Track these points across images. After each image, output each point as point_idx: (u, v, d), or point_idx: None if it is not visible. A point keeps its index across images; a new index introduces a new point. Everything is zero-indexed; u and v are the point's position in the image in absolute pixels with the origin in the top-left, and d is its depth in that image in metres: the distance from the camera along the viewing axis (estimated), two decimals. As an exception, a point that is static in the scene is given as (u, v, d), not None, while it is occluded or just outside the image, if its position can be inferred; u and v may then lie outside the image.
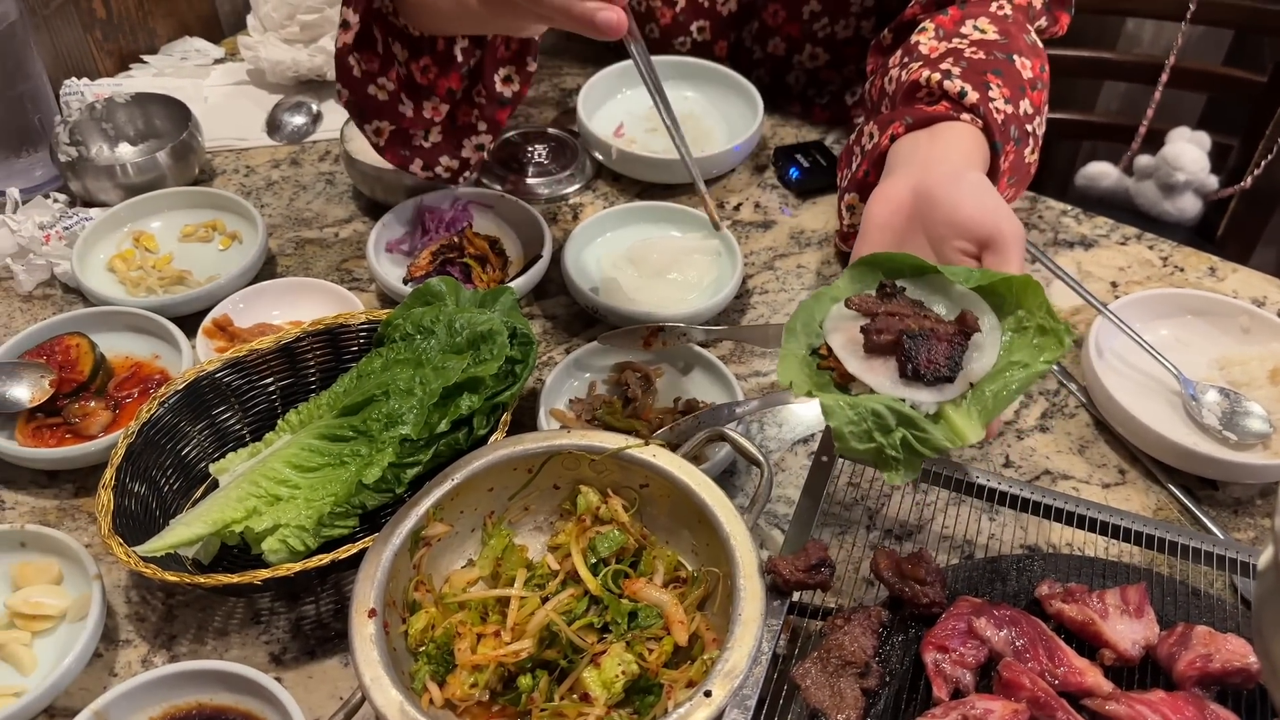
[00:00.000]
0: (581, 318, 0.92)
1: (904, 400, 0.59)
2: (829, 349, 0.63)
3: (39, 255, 0.94)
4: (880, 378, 0.60)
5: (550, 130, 1.10)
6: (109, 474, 0.69)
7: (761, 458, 0.69)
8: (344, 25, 0.82)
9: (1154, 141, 1.52)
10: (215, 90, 1.20)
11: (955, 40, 0.87)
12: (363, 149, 0.99)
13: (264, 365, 0.80)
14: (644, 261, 0.91)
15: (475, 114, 0.89)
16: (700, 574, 0.67)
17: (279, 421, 0.77)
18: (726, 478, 0.78)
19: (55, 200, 1.00)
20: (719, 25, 1.14)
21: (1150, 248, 1.00)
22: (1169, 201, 1.51)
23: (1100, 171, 1.59)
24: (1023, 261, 0.66)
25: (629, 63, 1.12)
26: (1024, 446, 0.81)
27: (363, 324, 0.82)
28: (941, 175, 0.71)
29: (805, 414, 0.78)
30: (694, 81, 1.13)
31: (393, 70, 0.84)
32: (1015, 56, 0.85)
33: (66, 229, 0.96)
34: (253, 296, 0.90)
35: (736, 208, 1.03)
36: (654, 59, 1.01)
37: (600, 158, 1.05)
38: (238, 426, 0.79)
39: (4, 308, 0.93)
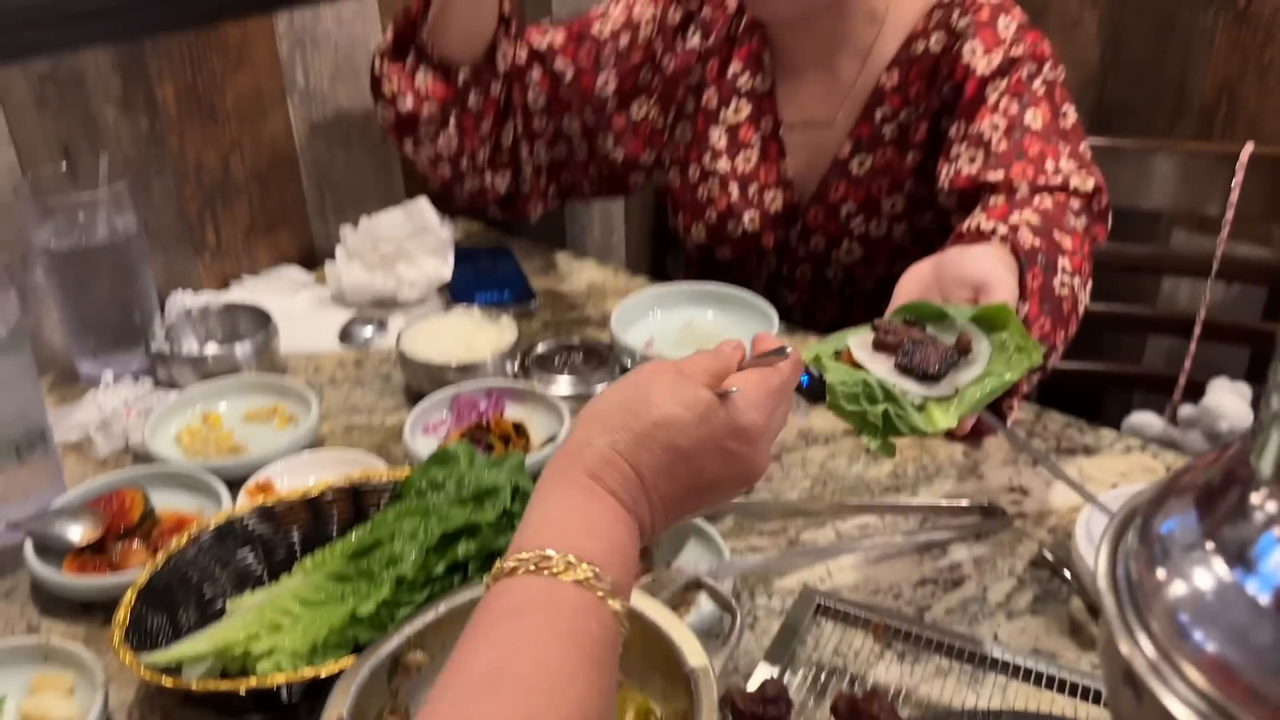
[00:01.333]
0: (593, 497, 0.97)
1: (894, 385, 0.71)
2: (848, 351, 0.76)
3: (117, 427, 1.06)
4: (880, 367, 0.73)
5: (583, 340, 1.21)
6: (130, 594, 0.76)
7: (733, 602, 0.72)
8: (382, 47, 1.17)
9: (1199, 392, 1.55)
10: (300, 305, 1.35)
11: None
12: (415, 345, 1.11)
13: (290, 515, 0.87)
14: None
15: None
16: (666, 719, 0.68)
17: (295, 565, 0.83)
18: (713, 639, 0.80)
19: (141, 382, 1.13)
20: (767, 219, 1.27)
21: (1154, 456, 1.02)
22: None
23: (1145, 421, 1.62)
24: (1008, 298, 0.81)
25: (664, 288, 1.24)
26: (1014, 627, 0.82)
27: (385, 482, 0.89)
28: (956, 249, 0.86)
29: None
30: (716, 304, 1.23)
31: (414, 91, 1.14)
32: (1054, 230, 0.97)
33: (146, 407, 1.08)
34: (296, 463, 0.99)
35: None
36: (682, 285, 1.16)
37: (628, 363, 1.15)
38: (259, 570, 0.86)
39: (81, 469, 1.04)
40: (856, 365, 0.75)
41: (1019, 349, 0.75)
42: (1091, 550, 0.85)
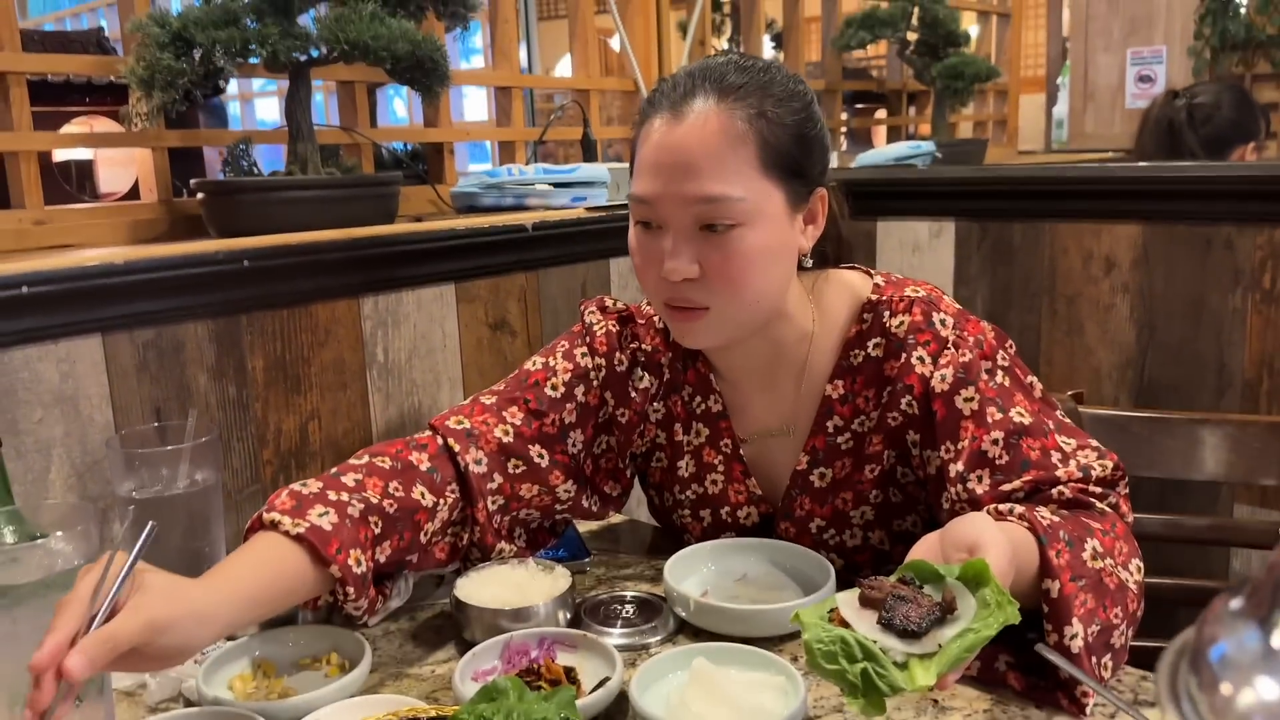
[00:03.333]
0: (645, 745, 0.94)
1: (875, 641, 0.72)
2: (837, 611, 0.79)
3: (172, 672, 1.06)
4: (863, 623, 0.76)
5: (636, 594, 1.21)
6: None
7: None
8: None
9: None
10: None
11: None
12: (468, 593, 1.12)
13: (336, 750, 0.85)
14: (710, 686, 0.95)
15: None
16: None
17: (338, 804, 0.81)
18: None
19: (201, 633, 1.14)
20: (744, 535, 1.27)
21: (1240, 709, 0.96)
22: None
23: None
24: (995, 557, 0.83)
25: (717, 542, 1.25)
26: None
27: (432, 718, 0.87)
28: (958, 520, 0.89)
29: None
30: (769, 556, 1.23)
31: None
32: (1080, 513, 1.01)
33: (203, 654, 1.09)
34: (344, 707, 0.97)
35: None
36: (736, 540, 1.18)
37: (682, 613, 1.14)
38: (299, 810, 0.83)
39: (131, 714, 1.03)
40: (845, 624, 0.79)
41: (998, 604, 0.79)
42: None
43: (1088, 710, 0.94)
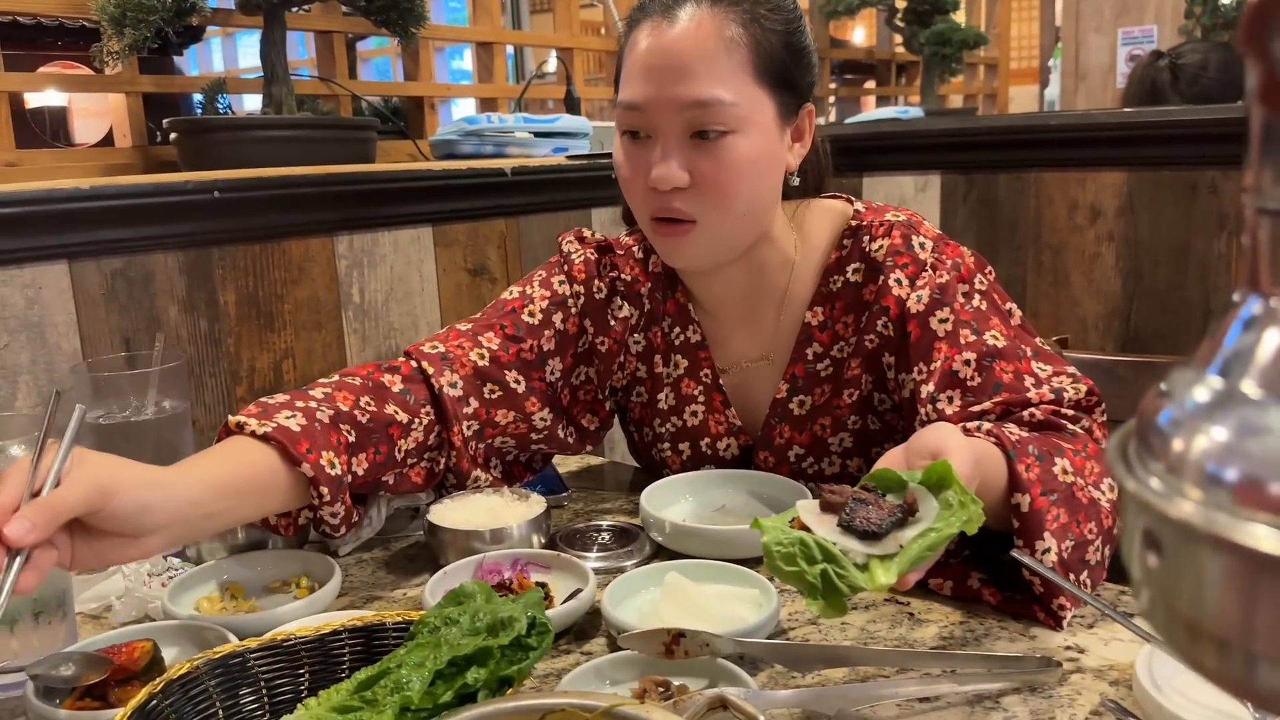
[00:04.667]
0: (617, 656, 0.92)
1: (835, 544, 0.70)
2: (798, 519, 0.76)
3: (138, 594, 1.04)
4: (824, 527, 0.71)
5: (613, 522, 1.19)
6: (122, 714, 0.72)
7: (761, 717, 0.66)
8: None
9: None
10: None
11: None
12: (443, 517, 1.11)
13: (300, 653, 0.83)
14: (681, 597, 0.93)
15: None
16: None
17: (298, 706, 0.79)
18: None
19: (169, 560, 1.12)
20: (723, 467, 1.26)
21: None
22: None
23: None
24: (958, 461, 0.81)
25: (694, 474, 1.24)
26: (1079, 773, 0.73)
27: (398, 623, 0.85)
28: (923, 430, 0.86)
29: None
30: (747, 487, 1.22)
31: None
32: (1049, 433, 0.98)
33: (170, 577, 1.07)
34: (313, 621, 0.95)
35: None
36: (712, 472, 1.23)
37: (658, 538, 1.12)
38: (260, 712, 0.81)
39: (95, 634, 1.01)
40: (805, 529, 0.77)
41: (960, 504, 0.77)
42: (1155, 689, 0.78)
43: (1065, 622, 0.93)
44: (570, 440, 1.28)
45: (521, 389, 1.20)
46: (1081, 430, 1.03)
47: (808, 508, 0.80)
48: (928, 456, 0.83)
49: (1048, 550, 0.91)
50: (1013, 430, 0.96)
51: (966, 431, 0.95)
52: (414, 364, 1.16)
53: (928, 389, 1.07)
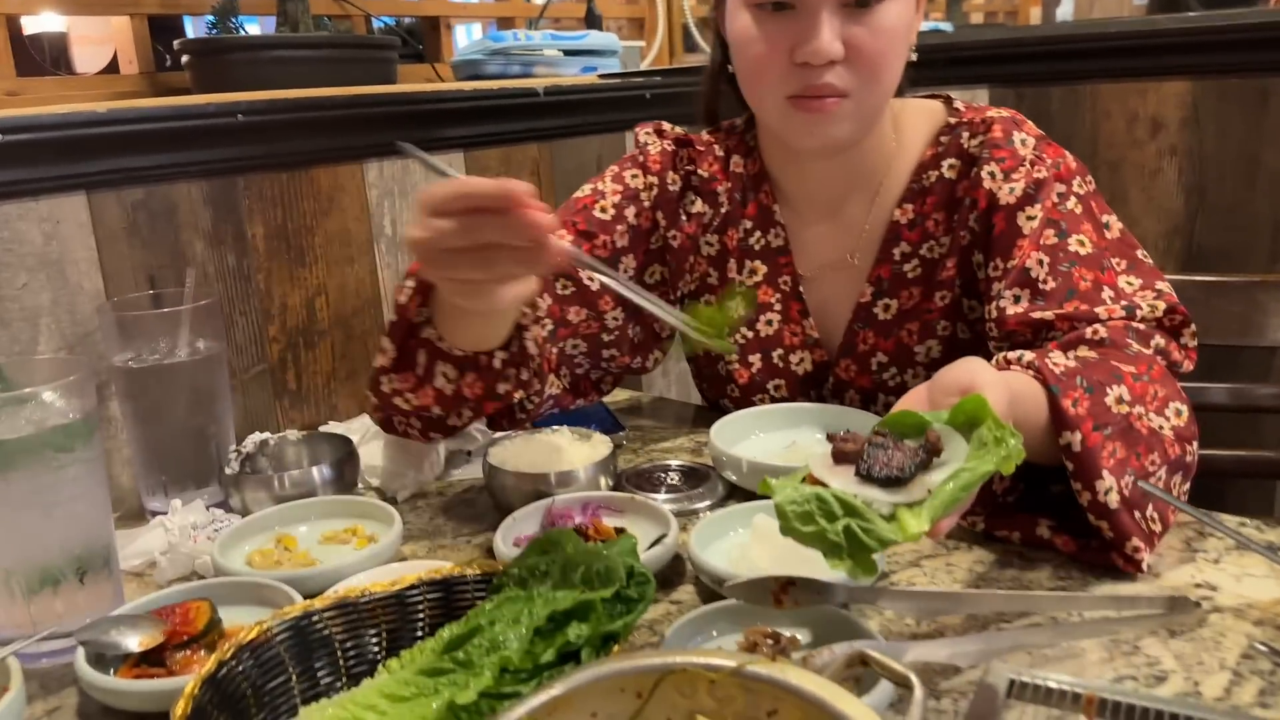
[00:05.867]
0: (710, 605, 0.85)
1: (855, 495, 0.64)
2: (810, 475, 0.68)
3: (184, 550, 0.97)
4: (840, 479, 0.66)
5: (681, 461, 1.12)
6: (192, 685, 0.65)
7: (912, 676, 0.59)
8: (382, 351, 0.97)
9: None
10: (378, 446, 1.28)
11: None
12: (504, 459, 1.03)
13: (376, 611, 0.76)
14: (776, 541, 0.86)
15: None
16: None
17: (379, 667, 0.72)
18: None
19: (212, 512, 1.05)
20: (795, 383, 1.19)
21: (1355, 551, 0.88)
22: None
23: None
24: (994, 398, 0.72)
25: (763, 409, 1.16)
26: (1243, 724, 0.67)
27: (479, 575, 0.79)
28: (949, 365, 0.79)
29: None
30: (819, 422, 1.14)
31: (426, 389, 0.98)
32: (1111, 359, 0.89)
33: (216, 530, 1.00)
34: (378, 575, 0.88)
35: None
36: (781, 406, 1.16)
37: (733, 477, 1.05)
38: (336, 677, 0.74)
39: (143, 595, 0.94)
40: (818, 484, 0.68)
41: (996, 440, 0.69)
42: (1321, 632, 0.71)
43: (1144, 566, 0.85)
44: (638, 340, 1.21)
45: (595, 286, 1.14)
46: (1151, 350, 0.95)
47: (819, 460, 0.71)
48: (956, 393, 0.74)
49: (1109, 490, 0.82)
50: (1057, 361, 0.86)
51: (1004, 364, 0.87)
52: None
53: (998, 286, 1.01)
